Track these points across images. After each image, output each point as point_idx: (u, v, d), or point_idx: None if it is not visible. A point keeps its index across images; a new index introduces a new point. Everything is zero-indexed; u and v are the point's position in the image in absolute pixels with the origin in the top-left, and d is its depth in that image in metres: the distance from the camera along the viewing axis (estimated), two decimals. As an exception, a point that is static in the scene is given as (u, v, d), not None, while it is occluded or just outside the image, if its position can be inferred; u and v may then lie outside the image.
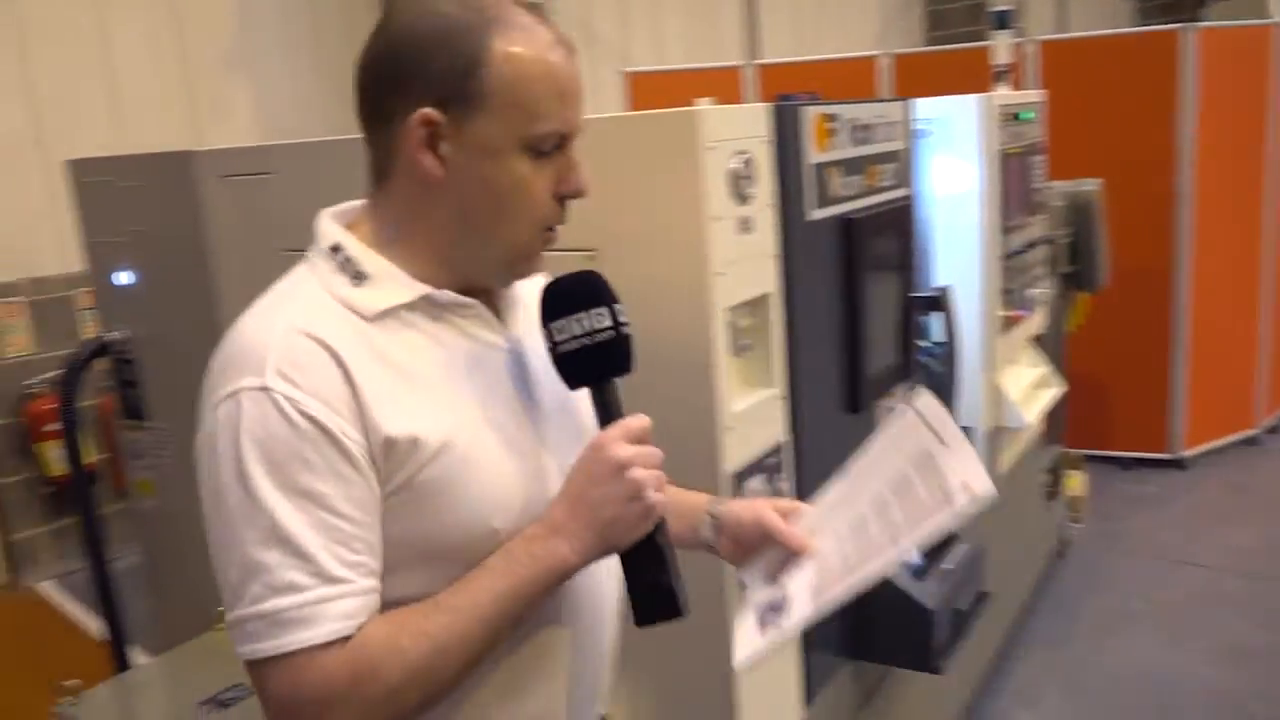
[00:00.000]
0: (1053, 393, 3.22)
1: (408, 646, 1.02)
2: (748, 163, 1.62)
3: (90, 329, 5.03)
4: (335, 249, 1.11)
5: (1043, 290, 3.25)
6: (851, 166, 1.98)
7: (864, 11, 9.25)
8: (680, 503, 1.31)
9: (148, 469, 2.46)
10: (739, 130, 1.61)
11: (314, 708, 0.99)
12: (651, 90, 5.57)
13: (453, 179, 1.08)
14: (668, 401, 1.65)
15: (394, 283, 1.09)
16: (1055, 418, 3.49)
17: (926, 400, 1.17)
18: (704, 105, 1.63)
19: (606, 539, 1.07)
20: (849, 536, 1.17)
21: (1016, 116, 2.90)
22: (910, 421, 1.16)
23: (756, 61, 5.88)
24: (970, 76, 3.62)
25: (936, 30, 9.78)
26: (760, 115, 1.69)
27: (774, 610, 1.19)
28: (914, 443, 1.16)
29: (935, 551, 2.24)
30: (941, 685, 2.41)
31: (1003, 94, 3.05)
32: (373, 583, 1.02)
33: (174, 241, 2.21)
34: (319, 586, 0.98)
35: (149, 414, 2.39)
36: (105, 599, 2.45)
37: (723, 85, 5.00)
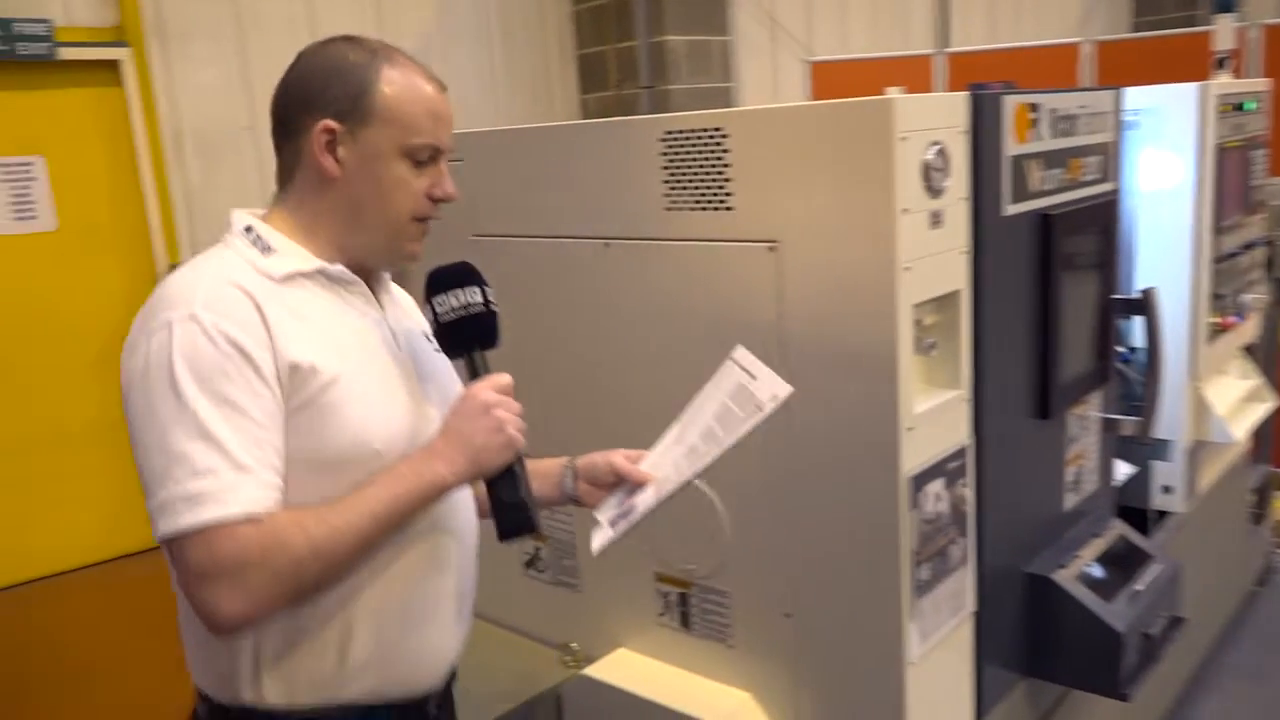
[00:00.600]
0: (1265, 407, 2.97)
1: (311, 528, 1.25)
2: (942, 154, 1.55)
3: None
4: (248, 229, 1.39)
5: (1258, 296, 3.00)
6: (1052, 159, 1.88)
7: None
8: (544, 468, 1.59)
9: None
10: (934, 120, 1.55)
11: (229, 575, 1.20)
12: (834, 80, 5.45)
13: (346, 177, 1.37)
14: (846, 398, 1.61)
15: (295, 255, 1.37)
16: (1265, 434, 3.23)
17: (742, 352, 1.45)
18: (894, 94, 1.57)
19: (476, 463, 1.33)
20: (684, 461, 1.47)
21: (1238, 107, 2.68)
22: (727, 369, 1.46)
23: (947, 50, 5.66)
24: (1181, 64, 3.38)
25: (1144, 15, 9.19)
26: (957, 104, 1.62)
27: (623, 515, 1.49)
28: (731, 381, 1.45)
29: (1126, 570, 2.10)
30: (1125, 711, 2.26)
31: (1223, 82, 2.83)
32: (277, 479, 1.26)
33: (370, 224, 2.31)
34: (234, 472, 1.22)
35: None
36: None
37: (909, 74, 4.84)
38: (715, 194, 1.69)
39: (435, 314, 1.39)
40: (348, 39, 1.42)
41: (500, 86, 6.12)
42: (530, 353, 2.03)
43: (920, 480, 1.62)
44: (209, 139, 5.07)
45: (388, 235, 1.40)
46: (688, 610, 1.93)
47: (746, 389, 1.45)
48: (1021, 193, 1.80)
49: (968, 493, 1.75)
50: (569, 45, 6.41)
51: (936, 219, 1.57)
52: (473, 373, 1.40)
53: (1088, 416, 2.18)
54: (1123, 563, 2.13)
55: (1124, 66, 4.79)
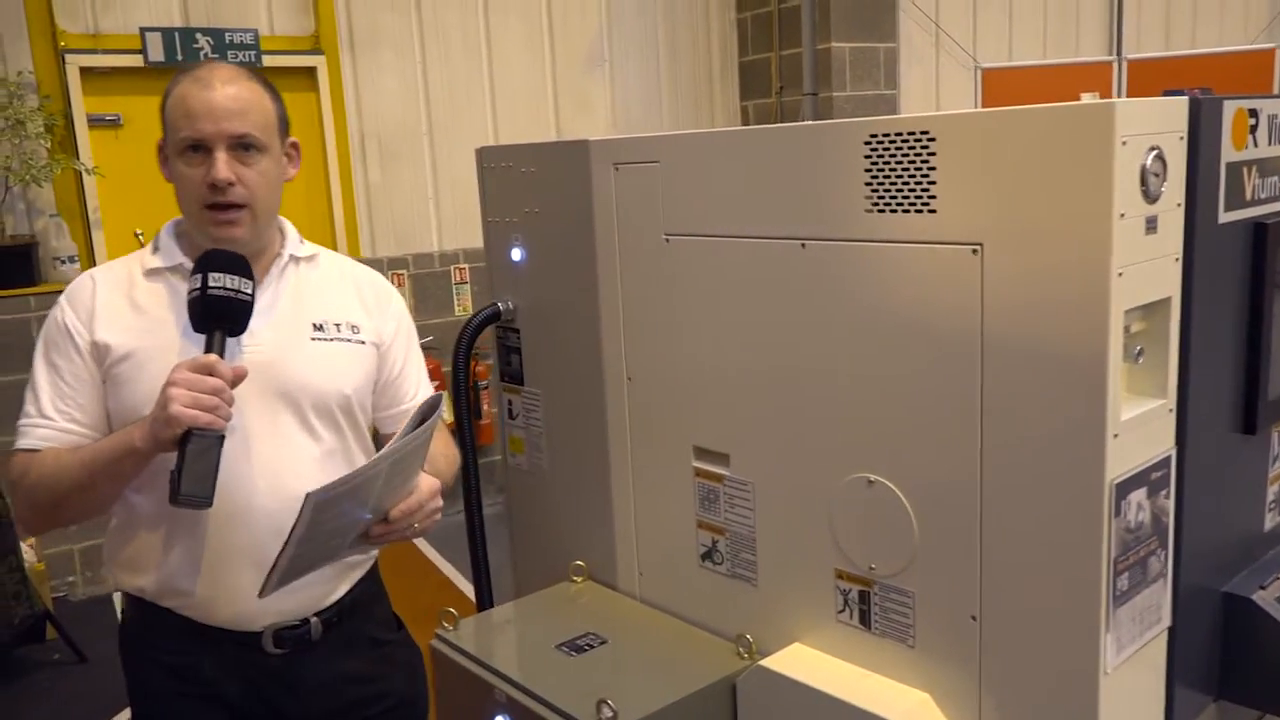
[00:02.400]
0: None
1: (48, 462, 1.69)
2: (1160, 159, 1.54)
3: (464, 302, 5.59)
4: (157, 234, 1.86)
5: None
6: (1268, 167, 1.82)
7: (1249, 2, 8.34)
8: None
9: (520, 429, 2.70)
10: (1154, 125, 1.54)
11: (8, 487, 1.76)
12: (1005, 87, 5.35)
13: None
14: (1050, 402, 1.61)
15: (168, 255, 1.81)
16: None
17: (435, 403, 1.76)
18: (1088, 100, 1.57)
19: (153, 433, 1.58)
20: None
21: None
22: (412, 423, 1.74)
23: (1128, 56, 5.47)
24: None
25: (1337, 21, 8.64)
26: (1178, 110, 1.60)
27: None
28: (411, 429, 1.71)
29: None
30: (1324, 745, 2.16)
31: None
32: (73, 426, 1.73)
33: (563, 223, 2.41)
34: (36, 418, 1.73)
35: (527, 379, 2.62)
36: (478, 542, 2.72)
37: (1085, 82, 4.71)
38: (919, 196, 1.71)
39: (205, 286, 1.65)
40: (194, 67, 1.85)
41: (664, 94, 6.24)
42: (722, 353, 2.09)
43: (1124, 488, 1.60)
44: (389, 142, 5.35)
45: (195, 222, 1.77)
46: (868, 608, 1.95)
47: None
48: (1236, 201, 1.75)
49: (1168, 504, 1.72)
50: (731, 53, 6.49)
51: (1152, 225, 1.56)
52: (206, 350, 1.65)
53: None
54: (1326, 589, 2.04)
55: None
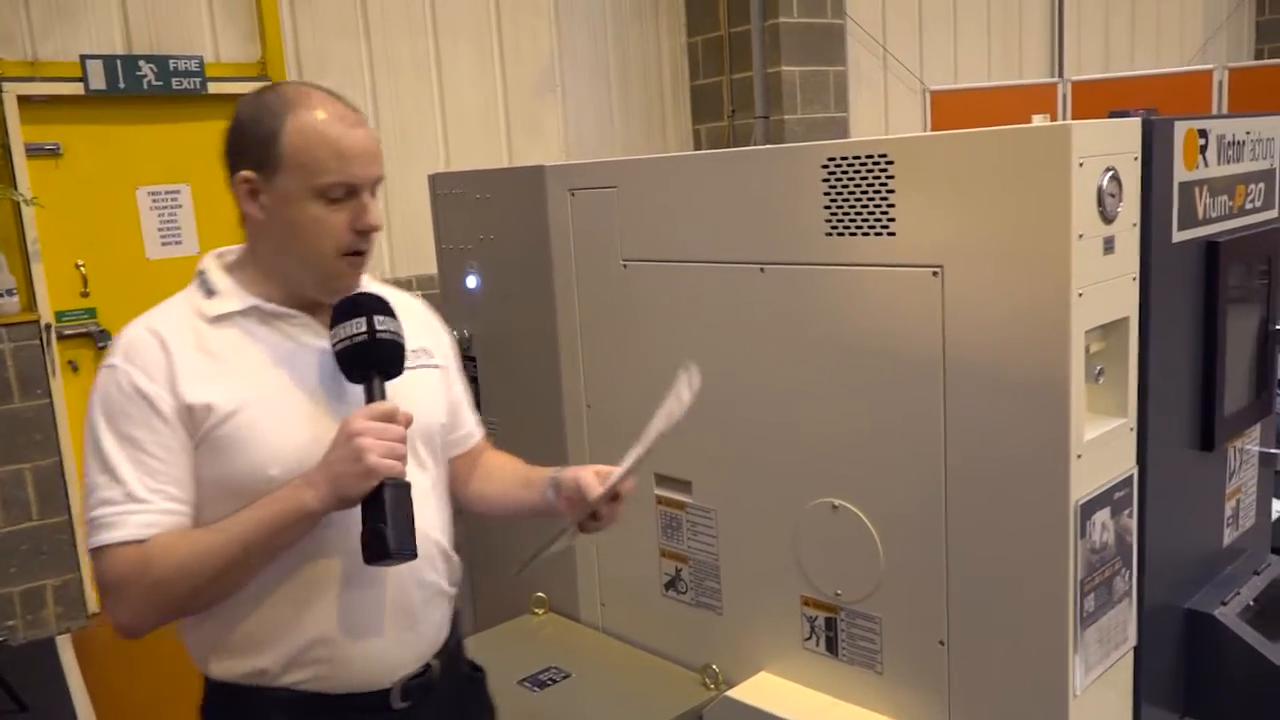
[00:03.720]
0: None
1: (178, 549, 1.41)
2: (1116, 179, 1.55)
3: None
4: (201, 273, 1.57)
5: None
6: (1218, 187, 1.85)
7: (1183, 25, 8.58)
8: (535, 476, 1.74)
9: (477, 459, 2.64)
10: (1109, 146, 1.55)
11: (115, 589, 1.42)
12: (954, 109, 5.43)
13: (269, 220, 1.50)
14: (1013, 424, 1.61)
15: (234, 296, 1.53)
16: None
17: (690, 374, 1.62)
18: (1039, 122, 1.58)
19: (337, 491, 1.40)
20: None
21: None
22: (671, 399, 1.61)
23: (1072, 79, 5.58)
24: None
25: (1266, 43, 8.92)
26: (1132, 131, 1.61)
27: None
28: (675, 400, 1.60)
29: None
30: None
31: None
32: (173, 505, 1.44)
33: (519, 249, 2.39)
34: (127, 503, 1.42)
35: (484, 407, 2.58)
36: (436, 575, 2.66)
37: (1030, 103, 4.79)
38: (878, 219, 1.71)
39: (332, 344, 1.50)
40: (274, 87, 1.54)
41: (616, 119, 6.24)
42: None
43: (1089, 508, 1.60)
44: (339, 169, 5.29)
45: (316, 271, 1.52)
46: (835, 635, 1.93)
47: (673, 411, 1.63)
48: (1189, 220, 1.77)
49: (1131, 522, 1.72)
50: (683, 77, 6.51)
51: (1109, 245, 1.57)
52: (368, 399, 1.48)
53: (1247, 450, 2.12)
54: (1285, 602, 2.06)
55: (1255, 94, 4.66)
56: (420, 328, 1.71)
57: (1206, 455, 1.94)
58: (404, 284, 5.41)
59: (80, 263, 4.67)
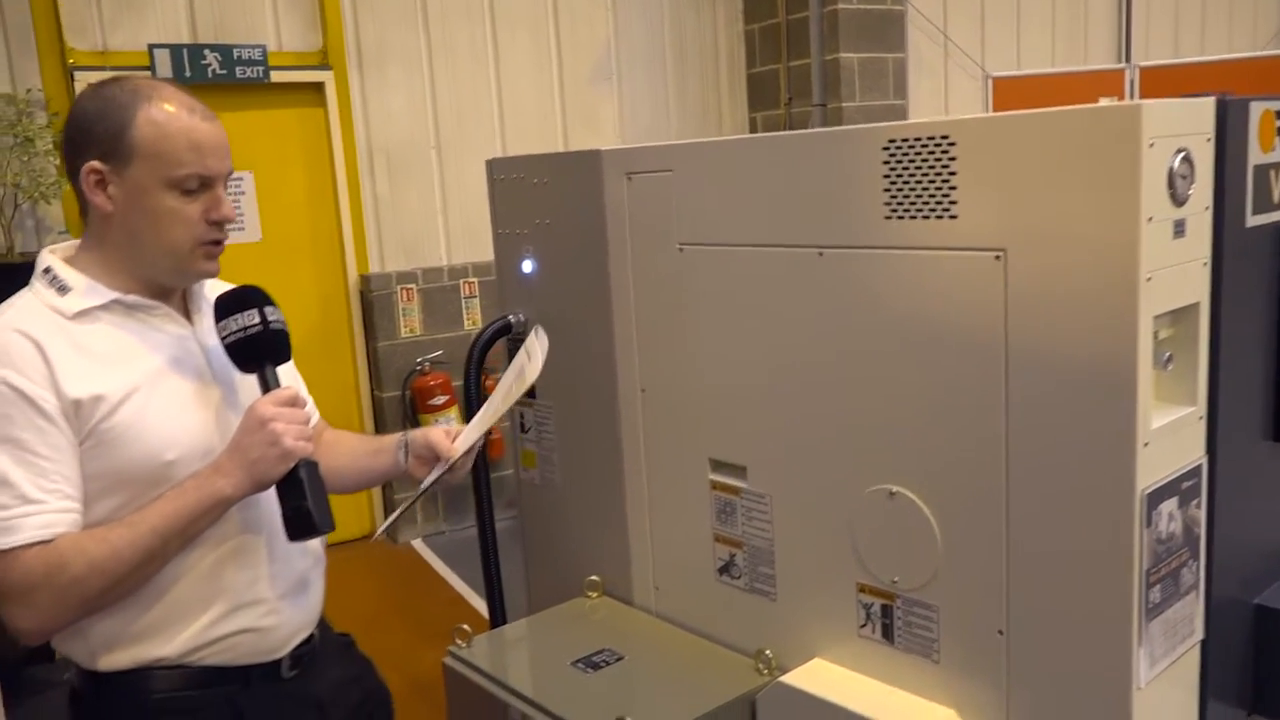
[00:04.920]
0: None
1: (90, 548, 1.41)
2: (1188, 161, 1.51)
3: (473, 316, 5.58)
4: (46, 270, 1.54)
5: None
6: (1295, 169, 1.79)
7: (1257, 9, 8.33)
8: (384, 444, 1.81)
9: (532, 442, 2.67)
10: (1181, 126, 1.50)
11: (19, 593, 1.40)
12: (1016, 96, 5.33)
13: (120, 212, 1.51)
14: (1077, 411, 1.58)
15: (90, 291, 1.52)
16: None
17: (538, 335, 1.85)
18: (1108, 103, 1.54)
19: (254, 476, 1.46)
20: (474, 432, 1.77)
21: None
22: (521, 355, 1.82)
23: (1141, 64, 5.45)
24: None
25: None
26: (1205, 111, 1.57)
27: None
28: (519, 363, 1.81)
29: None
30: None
31: None
32: (68, 504, 1.44)
33: (575, 234, 2.39)
34: (20, 505, 1.40)
35: (538, 392, 2.60)
36: (490, 558, 2.69)
37: (1097, 89, 4.68)
38: (939, 201, 1.69)
39: (222, 337, 1.55)
40: (117, 80, 1.55)
41: (671, 107, 6.23)
42: (738, 363, 2.06)
43: (1155, 498, 1.56)
44: (397, 157, 5.34)
45: (172, 261, 1.55)
46: (891, 622, 1.91)
47: (525, 368, 1.82)
48: (1264, 204, 1.72)
49: (1200, 514, 1.68)
50: (739, 64, 6.48)
51: (1179, 229, 1.52)
52: (263, 386, 1.53)
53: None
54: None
55: (1333, 79, 4.50)
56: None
57: (1278, 446, 1.88)
58: (460, 271, 5.47)
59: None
